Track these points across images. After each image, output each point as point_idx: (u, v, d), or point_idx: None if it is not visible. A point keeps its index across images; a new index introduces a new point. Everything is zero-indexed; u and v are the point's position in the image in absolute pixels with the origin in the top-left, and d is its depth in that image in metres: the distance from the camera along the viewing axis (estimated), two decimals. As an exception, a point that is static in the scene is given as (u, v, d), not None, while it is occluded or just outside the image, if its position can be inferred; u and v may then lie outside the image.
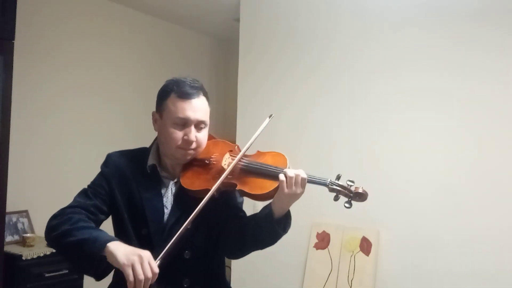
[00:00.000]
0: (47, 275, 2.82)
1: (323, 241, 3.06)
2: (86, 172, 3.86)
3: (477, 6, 2.68)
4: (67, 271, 2.92)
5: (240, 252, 1.53)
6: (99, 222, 1.46)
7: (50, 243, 1.42)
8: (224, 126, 4.56)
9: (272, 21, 3.47)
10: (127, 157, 1.54)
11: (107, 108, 3.78)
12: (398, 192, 2.86)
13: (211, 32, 4.67)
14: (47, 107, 3.35)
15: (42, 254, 2.82)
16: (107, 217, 1.51)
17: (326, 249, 3.03)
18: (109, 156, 1.56)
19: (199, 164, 1.49)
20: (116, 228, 1.52)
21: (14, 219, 3.06)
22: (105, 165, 1.54)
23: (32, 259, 2.77)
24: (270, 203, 1.41)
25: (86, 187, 1.52)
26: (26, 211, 3.15)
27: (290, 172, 1.37)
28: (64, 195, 3.70)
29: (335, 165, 3.00)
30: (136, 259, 1.21)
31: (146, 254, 1.24)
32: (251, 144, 1.48)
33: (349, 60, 3.11)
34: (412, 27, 2.88)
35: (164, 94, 1.48)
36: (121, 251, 1.24)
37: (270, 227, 1.39)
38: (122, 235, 1.46)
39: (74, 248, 1.31)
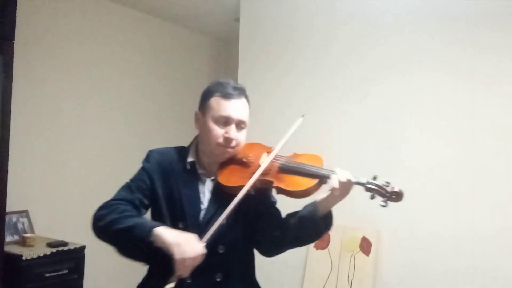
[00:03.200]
0: (47, 275, 2.81)
1: (323, 241, 3.06)
2: (86, 172, 3.89)
3: (478, 10, 2.69)
4: (67, 271, 2.93)
5: (277, 249, 1.58)
6: (141, 213, 1.54)
7: (97, 233, 1.47)
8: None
9: (272, 21, 3.47)
10: (167, 154, 1.60)
11: (107, 107, 3.78)
12: (398, 192, 2.85)
13: (211, 32, 4.66)
14: (47, 107, 3.35)
15: (42, 254, 2.82)
16: (147, 210, 1.57)
17: (326, 249, 3.03)
18: (150, 152, 1.61)
19: (236, 162, 1.56)
20: (156, 220, 1.57)
21: (14, 219, 3.06)
22: (146, 160, 1.59)
23: (32, 259, 2.77)
24: (313, 202, 1.47)
25: (128, 181, 1.56)
26: (26, 211, 3.15)
27: (342, 176, 1.42)
28: (64, 195, 3.74)
29: (333, 165, 2.99)
30: (183, 240, 1.32)
31: (192, 236, 1.35)
32: (284, 143, 1.58)
33: (349, 60, 3.11)
34: (411, 27, 2.88)
35: (208, 94, 1.56)
36: (169, 233, 1.35)
37: (314, 224, 1.44)
38: None
39: (122, 234, 1.39)
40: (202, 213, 1.51)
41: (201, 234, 1.40)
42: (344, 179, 1.42)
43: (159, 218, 1.53)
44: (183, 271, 1.32)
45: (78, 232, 3.37)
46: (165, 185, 1.53)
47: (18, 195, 3.07)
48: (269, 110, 3.30)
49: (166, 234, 1.34)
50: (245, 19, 3.61)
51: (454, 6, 2.75)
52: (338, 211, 1.51)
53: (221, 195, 1.51)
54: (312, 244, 3.08)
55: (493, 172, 2.60)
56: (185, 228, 1.48)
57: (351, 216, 2.87)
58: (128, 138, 3.92)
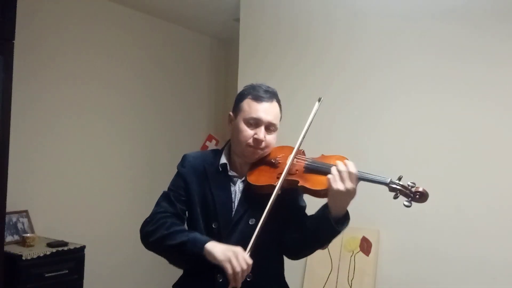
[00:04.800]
0: (47, 275, 2.81)
1: (323, 241, 3.06)
2: (87, 172, 3.88)
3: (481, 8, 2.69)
4: (67, 271, 2.92)
5: (300, 250, 1.62)
6: (184, 222, 1.63)
7: (148, 247, 1.57)
8: (225, 126, 4.56)
9: (272, 21, 3.47)
10: (201, 157, 1.68)
11: (107, 107, 3.78)
12: (398, 192, 2.85)
13: (211, 32, 4.66)
14: (47, 107, 3.35)
15: (42, 254, 2.82)
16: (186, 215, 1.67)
17: (326, 249, 3.03)
18: (185, 157, 1.69)
19: (266, 163, 1.61)
20: (189, 222, 1.64)
21: (14, 219, 3.06)
22: (181, 165, 1.67)
23: (32, 259, 2.77)
24: (327, 202, 1.48)
25: (167, 190, 1.65)
26: (26, 211, 3.15)
27: (341, 166, 1.42)
28: (64, 195, 3.73)
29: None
30: (232, 254, 1.39)
31: (239, 249, 1.41)
32: (307, 131, 1.61)
33: (349, 60, 3.11)
34: (411, 25, 2.89)
35: (241, 97, 1.63)
36: (218, 249, 1.42)
37: (328, 223, 1.44)
38: (193, 229, 1.60)
39: (174, 249, 1.49)
40: (233, 212, 1.58)
41: (232, 233, 1.52)
42: (341, 168, 1.42)
43: (193, 219, 1.61)
44: (237, 284, 1.38)
45: (78, 232, 3.38)
46: (199, 188, 1.61)
47: (18, 195, 3.07)
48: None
49: (216, 251, 1.41)
50: (245, 19, 3.61)
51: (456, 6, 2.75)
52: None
53: (251, 195, 1.57)
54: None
55: (493, 173, 2.60)
56: (218, 228, 1.56)
57: (351, 216, 2.88)
58: (127, 138, 3.93)
